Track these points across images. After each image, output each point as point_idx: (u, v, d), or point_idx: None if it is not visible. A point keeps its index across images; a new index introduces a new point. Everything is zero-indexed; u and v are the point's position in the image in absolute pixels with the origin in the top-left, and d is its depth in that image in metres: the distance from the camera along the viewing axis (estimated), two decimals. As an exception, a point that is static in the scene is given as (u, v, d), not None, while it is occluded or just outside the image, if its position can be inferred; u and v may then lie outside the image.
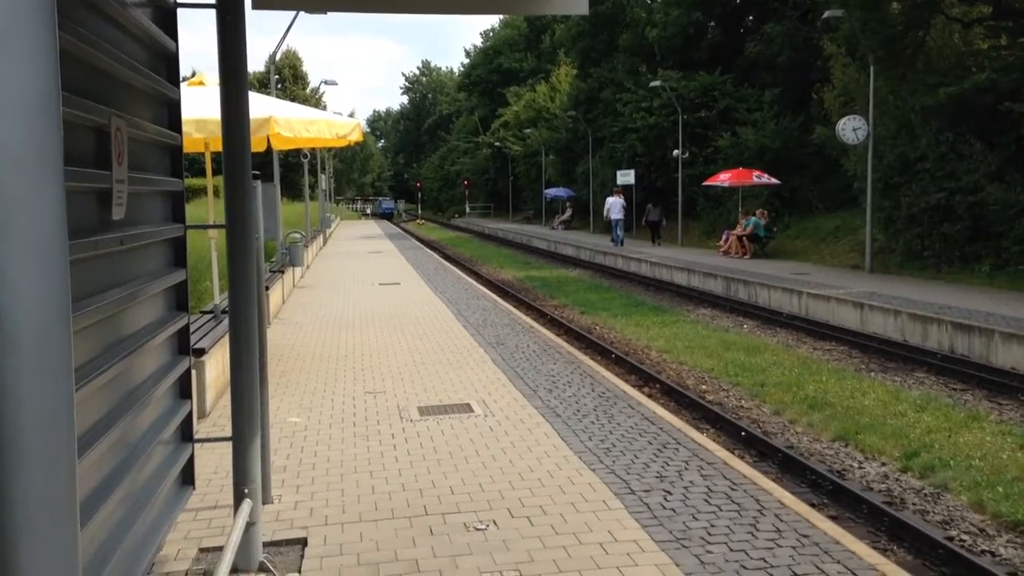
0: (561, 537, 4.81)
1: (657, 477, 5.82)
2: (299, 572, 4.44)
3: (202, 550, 4.69)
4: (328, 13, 18.75)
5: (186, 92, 7.86)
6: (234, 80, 4.35)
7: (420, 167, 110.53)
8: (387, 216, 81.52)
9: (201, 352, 7.47)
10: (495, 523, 5.03)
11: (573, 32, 47.07)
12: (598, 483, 5.70)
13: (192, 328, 8.15)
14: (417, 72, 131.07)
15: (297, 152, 33.80)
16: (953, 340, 12.52)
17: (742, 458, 7.49)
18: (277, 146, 10.53)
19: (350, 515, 5.19)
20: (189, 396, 4.22)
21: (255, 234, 4.65)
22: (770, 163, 28.20)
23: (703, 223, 32.55)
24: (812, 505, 6.24)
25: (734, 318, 16.82)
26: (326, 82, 33.34)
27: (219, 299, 9.38)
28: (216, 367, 7.98)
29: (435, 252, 32.18)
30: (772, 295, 17.80)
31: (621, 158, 37.53)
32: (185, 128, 5.40)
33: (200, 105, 7.71)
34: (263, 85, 45.50)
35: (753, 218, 25.25)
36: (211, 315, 9.34)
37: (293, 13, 20.59)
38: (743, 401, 10.13)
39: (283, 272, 15.73)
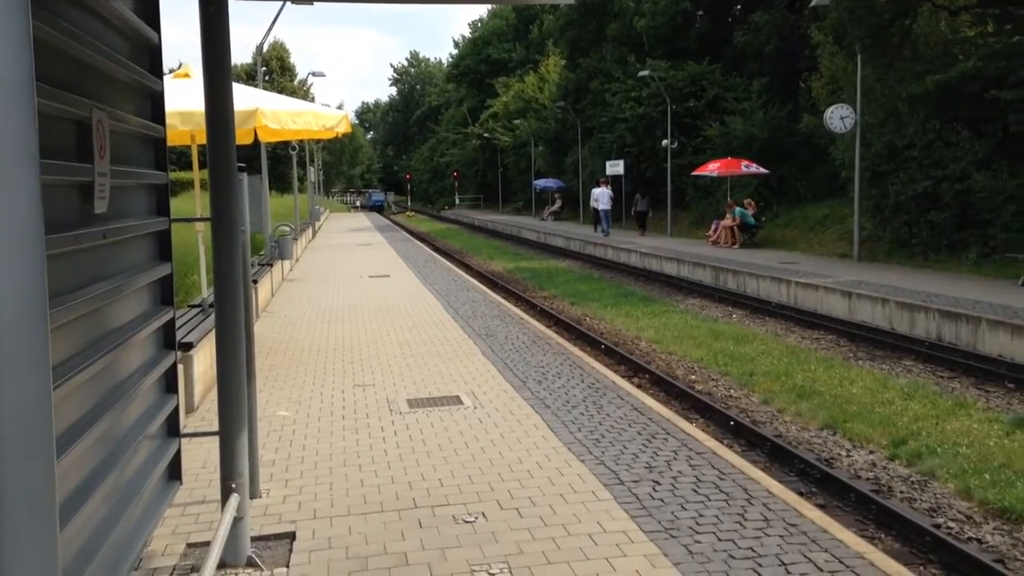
0: (550, 528, 4.81)
1: (646, 467, 5.83)
2: (287, 567, 4.43)
3: (190, 545, 4.68)
4: (314, 3, 18.63)
5: (171, 84, 7.82)
6: (218, 71, 4.31)
7: (409, 159, 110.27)
8: (377, 208, 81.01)
9: (189, 346, 7.44)
10: (484, 515, 5.03)
11: (561, 22, 46.98)
12: (587, 474, 5.71)
13: (180, 322, 8.14)
14: (405, 63, 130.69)
15: (285, 144, 33.69)
16: (940, 328, 12.58)
17: (731, 448, 7.51)
18: (264, 138, 10.46)
19: (339, 509, 5.19)
20: (175, 391, 4.19)
21: (241, 227, 4.62)
22: (759, 152, 28.22)
23: (692, 213, 32.59)
24: (800, 494, 6.25)
25: (723, 308, 16.86)
26: (314, 74, 33.29)
27: (207, 293, 9.34)
28: (204, 361, 7.95)
29: (425, 244, 32.14)
30: (761, 284, 17.84)
31: (610, 148, 37.50)
32: (170, 120, 5.37)
33: (185, 97, 7.66)
34: (250, 77, 45.24)
35: (739, 208, 25.27)
36: (199, 309, 9.30)
37: (279, 3, 20.43)
38: (732, 390, 10.15)
39: (272, 265, 15.68)
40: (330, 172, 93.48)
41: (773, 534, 4.73)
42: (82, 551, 2.64)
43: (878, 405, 9.04)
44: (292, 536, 4.80)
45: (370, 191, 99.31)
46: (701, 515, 4.99)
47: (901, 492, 6.81)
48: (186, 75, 9.25)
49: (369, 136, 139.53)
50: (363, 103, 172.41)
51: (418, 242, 31.98)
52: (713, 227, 26.65)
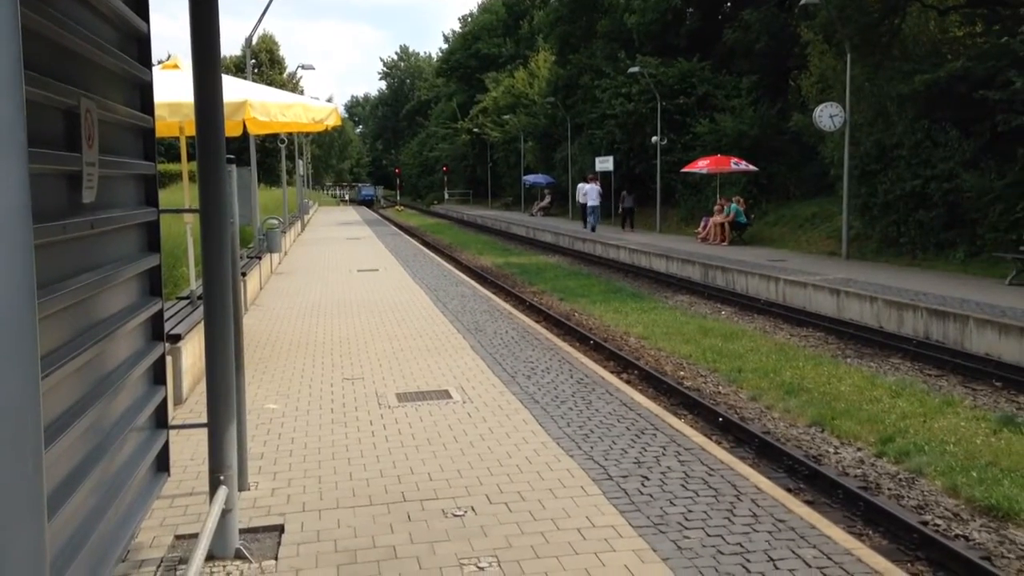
0: (539, 523, 4.81)
1: (635, 463, 5.83)
2: (276, 559, 4.41)
3: (178, 537, 4.65)
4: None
5: (160, 75, 7.77)
6: (207, 63, 4.28)
7: (399, 153, 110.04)
8: (367, 203, 79.72)
9: (177, 338, 7.40)
10: (473, 509, 5.02)
11: (552, 18, 46.94)
12: (576, 469, 5.71)
13: (168, 314, 8.09)
14: (395, 57, 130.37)
15: (274, 137, 33.59)
16: (928, 326, 12.63)
17: (719, 444, 7.54)
18: (253, 131, 10.43)
19: (327, 502, 5.17)
20: (164, 382, 4.17)
21: (230, 219, 4.60)
22: (748, 150, 28.29)
23: (681, 210, 32.64)
24: (788, 490, 6.27)
25: (712, 304, 16.89)
26: (303, 67, 33.15)
27: (195, 285, 9.29)
28: (193, 353, 7.91)
29: (414, 238, 32.09)
30: (750, 282, 17.88)
31: (600, 144, 37.52)
32: (158, 112, 5.33)
33: (174, 88, 7.62)
34: (239, 69, 45.07)
35: (734, 205, 25.32)
36: (187, 301, 9.26)
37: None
38: (721, 387, 10.18)
39: (260, 258, 15.62)
40: (319, 166, 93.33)
41: (761, 530, 4.73)
42: (70, 542, 2.63)
43: (866, 402, 9.08)
44: (280, 529, 4.78)
45: (360, 185, 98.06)
46: (690, 511, 5.00)
47: (889, 489, 6.84)
48: (175, 66, 9.20)
49: (358, 130, 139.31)
50: (352, 97, 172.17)
51: (407, 236, 31.92)
52: (702, 224, 26.70)
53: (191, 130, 7.04)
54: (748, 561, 4.34)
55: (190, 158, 8.22)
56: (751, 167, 26.86)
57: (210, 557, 4.33)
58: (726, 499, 5.18)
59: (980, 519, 6.19)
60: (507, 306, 13.48)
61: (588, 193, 32.28)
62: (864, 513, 6.32)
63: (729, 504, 5.10)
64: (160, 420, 4.11)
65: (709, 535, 4.66)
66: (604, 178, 34.57)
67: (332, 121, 9.38)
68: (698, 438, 6.50)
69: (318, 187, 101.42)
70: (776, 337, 13.25)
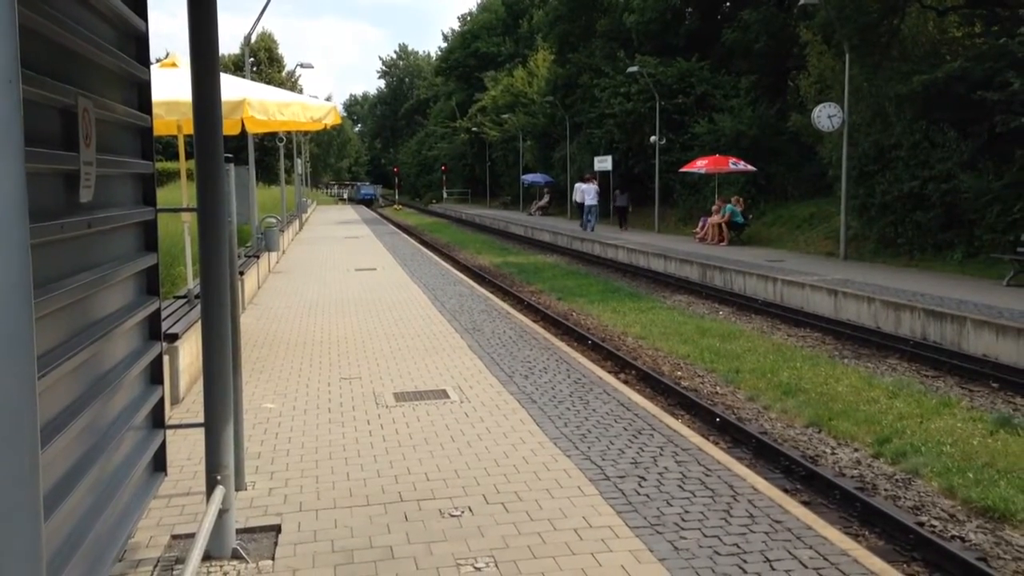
0: (536, 523, 4.81)
1: (632, 463, 5.84)
2: (272, 559, 4.41)
3: (175, 537, 4.65)
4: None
5: (158, 74, 7.77)
6: (206, 61, 4.28)
7: (397, 152, 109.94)
8: (367, 202, 78.10)
9: (174, 337, 7.40)
10: (470, 509, 5.03)
11: (551, 17, 46.93)
12: (573, 469, 5.71)
13: (165, 313, 8.08)
14: (394, 56, 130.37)
15: (273, 136, 33.56)
16: (926, 327, 12.64)
17: (716, 444, 7.54)
18: (251, 129, 10.42)
19: (324, 502, 5.17)
20: (161, 382, 4.17)
21: (228, 218, 4.59)
22: (746, 150, 28.28)
23: (680, 210, 32.64)
24: (785, 491, 6.28)
25: (710, 304, 16.90)
26: (302, 65, 33.11)
27: (192, 284, 9.29)
28: (190, 353, 7.91)
29: (412, 237, 32.08)
30: (747, 282, 17.89)
31: (598, 144, 37.52)
32: (156, 110, 5.33)
33: (172, 87, 7.61)
34: (238, 67, 45.03)
35: (730, 205, 25.34)
36: (184, 300, 9.25)
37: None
38: (718, 387, 10.18)
39: (258, 257, 15.61)
40: (318, 164, 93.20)
41: (758, 531, 4.74)
42: (67, 542, 2.62)
43: (863, 403, 9.08)
44: (277, 529, 4.78)
45: (359, 184, 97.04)
46: (687, 511, 5.00)
47: (885, 490, 6.85)
48: (173, 64, 9.18)
49: (357, 129, 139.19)
50: (351, 95, 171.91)
51: (405, 235, 31.92)
52: (700, 224, 26.71)
53: (189, 128, 7.04)
54: (744, 562, 4.35)
55: (188, 157, 8.22)
56: (749, 167, 26.86)
57: (207, 557, 4.33)
58: (723, 499, 5.19)
59: (976, 520, 6.20)
60: (505, 306, 13.48)
61: (586, 192, 32.29)
62: (861, 514, 6.33)
63: (726, 505, 5.11)
64: (157, 420, 4.11)
65: (706, 536, 4.66)
66: (603, 177, 34.55)
67: (330, 120, 9.37)
68: (695, 438, 6.50)
69: (319, 187, 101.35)
70: (774, 337, 13.26)
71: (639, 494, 5.26)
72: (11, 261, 1.41)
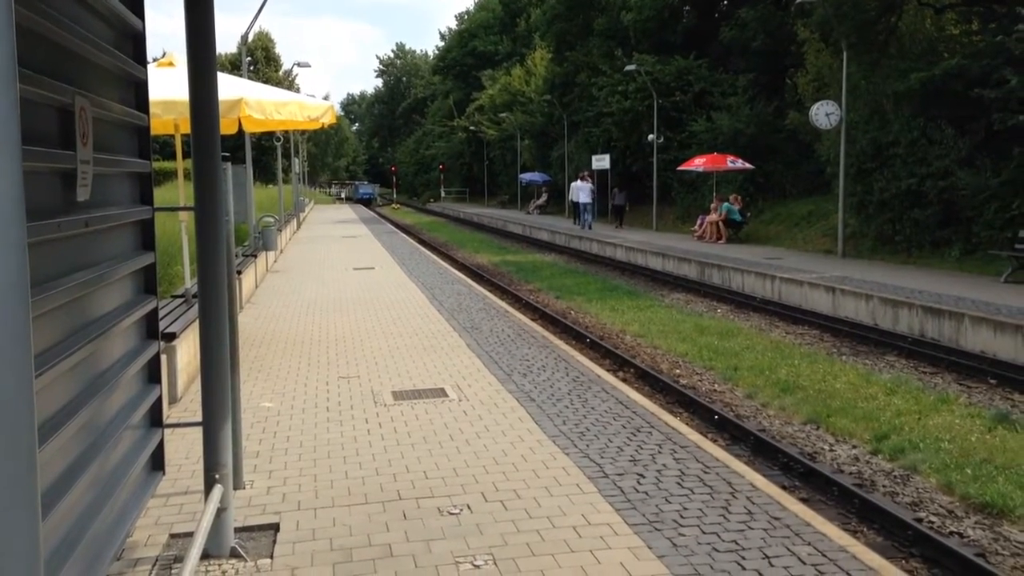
0: (535, 521, 4.81)
1: (630, 461, 5.84)
2: (271, 558, 4.41)
3: (173, 536, 4.65)
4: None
5: (155, 73, 7.76)
6: (203, 60, 4.27)
7: (395, 151, 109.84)
8: (365, 202, 76.96)
9: (172, 336, 7.39)
10: (469, 507, 5.03)
11: (548, 15, 46.85)
12: (572, 467, 5.71)
13: (163, 312, 8.08)
14: (392, 55, 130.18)
15: (270, 135, 33.56)
16: (923, 324, 12.66)
17: (715, 441, 7.54)
18: (248, 128, 10.42)
19: (323, 500, 5.17)
20: (159, 381, 4.16)
21: (225, 217, 4.59)
22: (744, 148, 28.29)
23: (678, 208, 32.64)
24: (783, 488, 6.27)
25: (708, 302, 16.91)
26: (299, 64, 33.03)
27: (190, 283, 9.28)
28: (188, 352, 7.91)
29: (410, 236, 32.07)
30: (746, 280, 17.90)
31: (596, 142, 37.51)
32: (154, 109, 5.33)
33: (169, 86, 7.60)
34: (235, 66, 44.99)
35: (726, 204, 25.35)
36: (182, 299, 9.25)
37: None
38: (716, 385, 10.19)
39: (256, 256, 15.60)
40: (315, 163, 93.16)
41: (757, 527, 4.74)
42: (64, 541, 2.62)
43: (861, 400, 9.09)
44: (276, 527, 4.78)
45: (357, 183, 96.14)
46: (685, 508, 5.00)
47: (884, 486, 6.86)
48: (170, 64, 9.17)
49: (354, 128, 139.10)
50: (348, 94, 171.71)
51: (403, 234, 31.91)
52: (698, 222, 26.72)
53: (186, 128, 7.04)
54: (743, 559, 4.35)
55: (185, 156, 8.21)
56: (747, 165, 26.87)
57: (205, 556, 4.33)
58: (721, 497, 5.19)
59: (974, 516, 6.21)
60: (503, 304, 13.48)
61: (580, 191, 32.36)
62: (859, 510, 6.33)
63: (724, 502, 5.11)
64: (155, 419, 4.11)
65: (704, 533, 4.66)
66: (600, 176, 34.54)
67: (327, 119, 9.37)
68: (694, 436, 6.51)
69: (319, 186, 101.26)
70: (772, 335, 13.27)
71: (638, 491, 5.26)
72: (8, 260, 1.41)
